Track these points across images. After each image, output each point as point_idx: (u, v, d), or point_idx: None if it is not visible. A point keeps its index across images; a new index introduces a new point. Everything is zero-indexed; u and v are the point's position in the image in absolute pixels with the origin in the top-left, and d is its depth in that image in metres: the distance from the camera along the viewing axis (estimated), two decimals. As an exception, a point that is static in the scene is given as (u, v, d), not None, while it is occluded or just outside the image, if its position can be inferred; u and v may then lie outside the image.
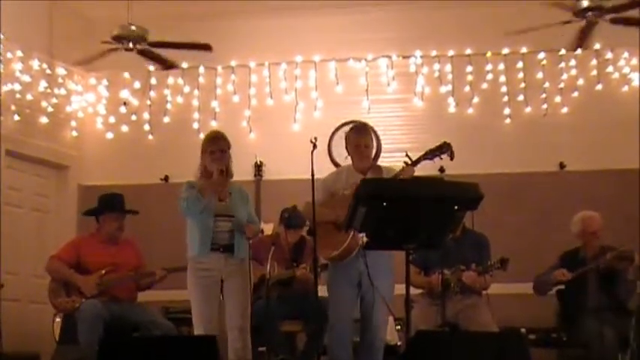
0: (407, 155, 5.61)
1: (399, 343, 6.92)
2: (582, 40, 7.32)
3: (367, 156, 5.74)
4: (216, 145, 5.83)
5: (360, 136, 5.76)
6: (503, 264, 6.10)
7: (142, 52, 7.57)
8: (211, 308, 5.69)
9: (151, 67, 8.49)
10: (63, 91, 8.42)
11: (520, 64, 8.31)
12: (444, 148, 5.58)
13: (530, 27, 7.17)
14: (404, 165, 5.59)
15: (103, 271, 6.48)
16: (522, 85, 8.30)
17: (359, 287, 5.57)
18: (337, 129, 8.29)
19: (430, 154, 5.61)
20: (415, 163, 5.57)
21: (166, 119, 8.70)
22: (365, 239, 5.08)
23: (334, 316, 5.59)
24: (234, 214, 5.79)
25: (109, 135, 8.72)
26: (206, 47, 7.59)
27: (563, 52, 8.16)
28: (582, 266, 6.59)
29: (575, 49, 7.79)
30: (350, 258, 5.49)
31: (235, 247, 5.76)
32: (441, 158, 5.68)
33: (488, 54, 8.36)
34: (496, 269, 6.15)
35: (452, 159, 5.60)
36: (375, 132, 7.53)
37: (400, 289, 4.77)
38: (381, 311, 5.51)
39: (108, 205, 6.73)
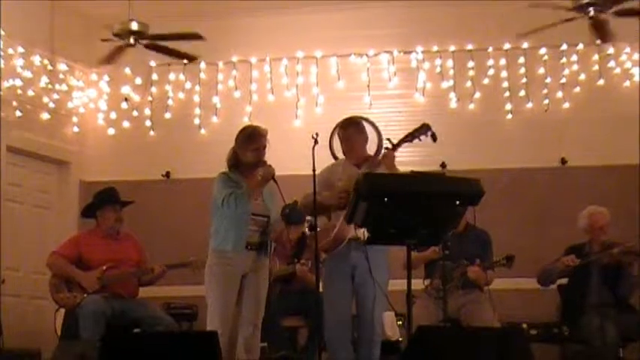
0: (388, 140, 5.60)
1: (400, 339, 6.92)
2: (601, 33, 7.27)
3: (354, 149, 5.73)
4: (262, 143, 5.76)
5: (344, 130, 5.78)
6: (508, 261, 6.08)
7: (159, 49, 7.56)
8: (230, 302, 5.62)
9: (152, 63, 8.50)
10: (64, 87, 8.42)
11: (522, 60, 8.30)
12: (423, 129, 5.55)
13: (542, 26, 7.12)
14: (385, 150, 5.60)
15: (105, 267, 6.49)
16: (524, 80, 8.29)
17: (352, 280, 5.57)
18: (338, 125, 8.28)
19: (410, 137, 5.59)
20: (396, 146, 5.56)
21: (168, 115, 8.69)
22: (366, 234, 5.10)
23: (330, 312, 5.56)
24: (268, 213, 5.76)
25: (111, 131, 8.72)
26: (197, 37, 7.56)
27: (564, 47, 8.15)
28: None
29: (600, 42, 7.71)
30: (342, 248, 5.50)
31: (267, 247, 5.76)
32: (420, 140, 5.65)
33: (490, 49, 8.35)
34: (501, 266, 6.14)
35: (434, 140, 5.57)
36: (373, 125, 7.51)
37: (401, 284, 4.76)
38: (378, 305, 5.50)
39: (104, 198, 6.77)
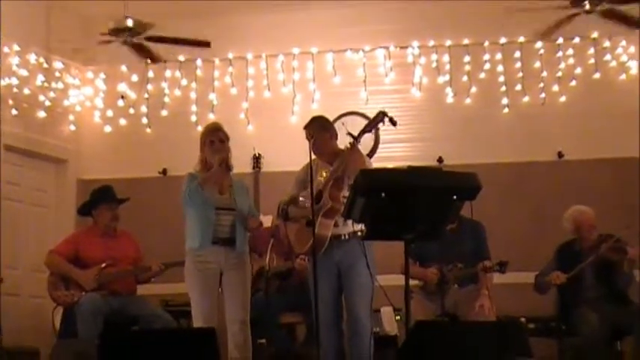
0: (349, 134, 5.55)
1: (398, 334, 6.93)
2: (551, 31, 7.34)
3: (320, 147, 5.69)
4: (216, 136, 5.85)
5: (307, 129, 5.73)
6: (502, 267, 6.07)
7: (167, 41, 7.56)
8: (210, 301, 5.71)
9: (148, 60, 8.48)
10: (60, 85, 8.40)
11: (518, 54, 8.29)
12: (379, 117, 5.53)
13: (529, 7, 7.15)
14: (347, 145, 5.56)
15: (102, 265, 6.51)
16: (520, 74, 8.28)
17: (338, 277, 5.60)
18: (335, 120, 8.25)
19: (369, 127, 5.58)
20: (357, 138, 5.53)
21: (164, 112, 8.68)
22: (347, 230, 5.32)
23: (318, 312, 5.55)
24: (236, 206, 5.80)
25: (107, 128, 8.71)
26: (204, 44, 7.59)
27: (560, 40, 8.14)
28: (579, 259, 6.56)
29: (542, 39, 7.81)
30: (325, 248, 5.51)
31: (237, 241, 5.77)
32: (378, 128, 5.68)
33: (486, 44, 8.33)
34: (495, 272, 6.14)
35: (394, 124, 5.53)
36: (369, 119, 7.50)
37: (399, 279, 4.77)
38: (364, 297, 5.49)
39: (100, 196, 6.79)
